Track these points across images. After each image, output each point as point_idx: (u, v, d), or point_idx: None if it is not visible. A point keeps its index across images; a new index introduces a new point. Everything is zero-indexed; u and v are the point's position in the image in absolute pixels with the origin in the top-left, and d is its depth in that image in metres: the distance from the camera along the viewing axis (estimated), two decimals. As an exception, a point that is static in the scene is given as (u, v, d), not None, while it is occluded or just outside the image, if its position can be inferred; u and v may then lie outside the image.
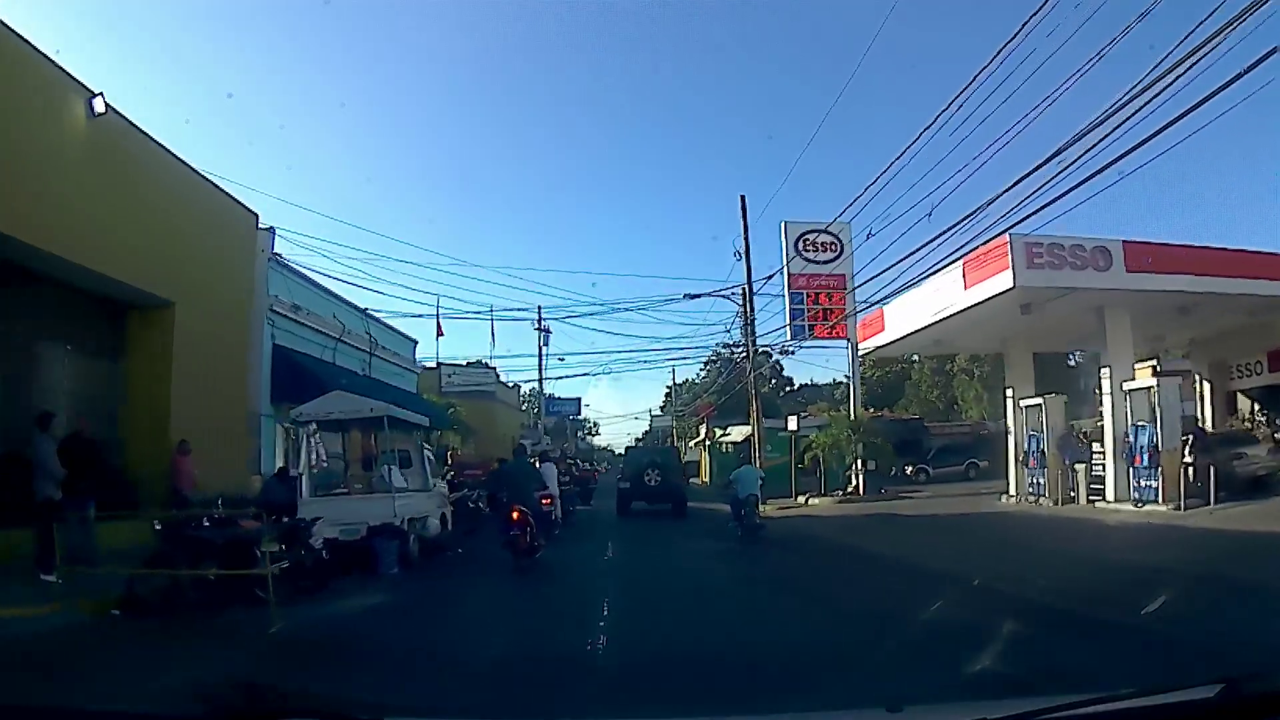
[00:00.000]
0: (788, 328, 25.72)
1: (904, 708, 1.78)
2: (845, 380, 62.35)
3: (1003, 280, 14.72)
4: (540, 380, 44.15)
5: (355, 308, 19.52)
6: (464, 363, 38.73)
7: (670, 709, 4.08)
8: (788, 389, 57.78)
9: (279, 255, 15.98)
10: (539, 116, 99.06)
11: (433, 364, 36.60)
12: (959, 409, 49.41)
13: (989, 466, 34.67)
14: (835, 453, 25.17)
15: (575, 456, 54.89)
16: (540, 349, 44.01)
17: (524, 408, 58.57)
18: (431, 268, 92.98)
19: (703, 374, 63.28)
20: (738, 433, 36.01)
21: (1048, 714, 1.53)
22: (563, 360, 55.26)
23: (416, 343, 24.59)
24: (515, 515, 9.73)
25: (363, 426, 12.36)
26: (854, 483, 25.23)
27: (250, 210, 15.13)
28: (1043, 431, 18.48)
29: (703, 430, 46.18)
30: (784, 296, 26.11)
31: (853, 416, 25.68)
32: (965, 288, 15.90)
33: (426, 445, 13.68)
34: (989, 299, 15.35)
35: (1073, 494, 17.09)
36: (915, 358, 48.21)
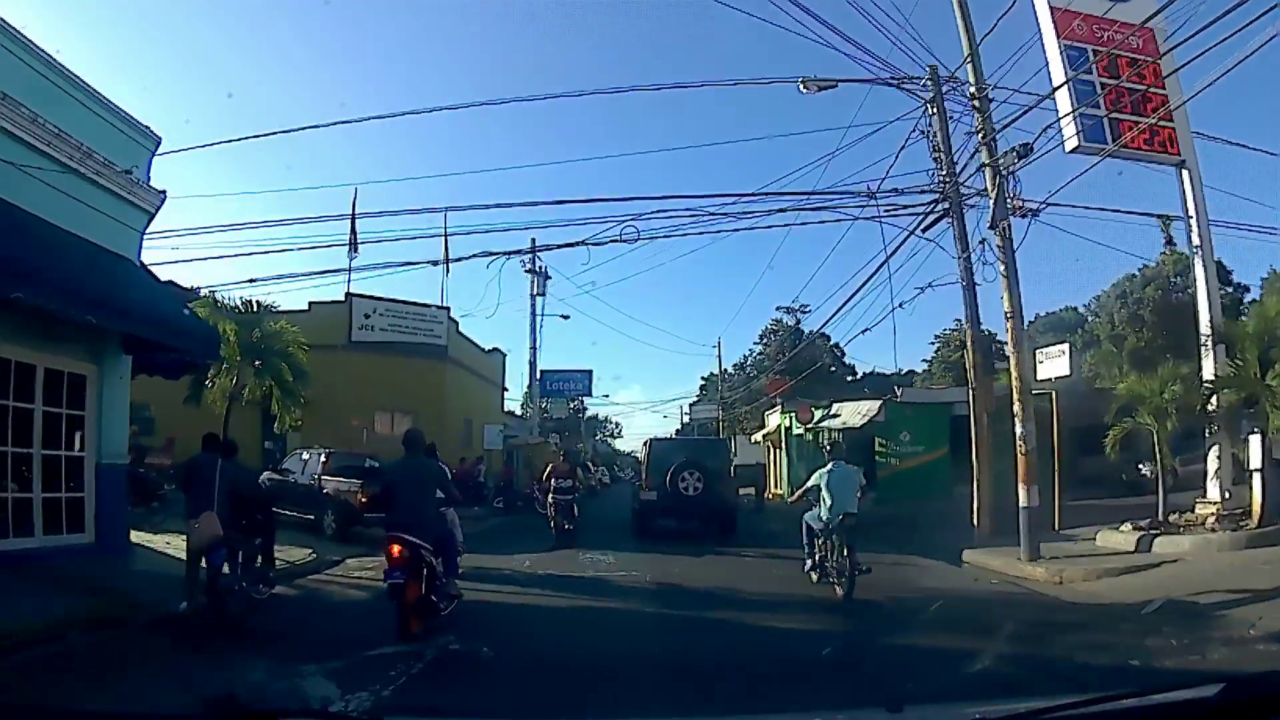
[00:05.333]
0: (1064, 95, 10.49)
1: (904, 708, 1.74)
2: (922, 367, 46.93)
3: None
4: (535, 336, 29.21)
5: None
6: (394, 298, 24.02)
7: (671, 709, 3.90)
8: (850, 380, 42.62)
9: None
10: None
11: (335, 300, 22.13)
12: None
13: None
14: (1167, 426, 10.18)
15: (590, 459, 40.19)
16: (533, 297, 29.43)
17: (526, 398, 43.51)
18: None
19: (757, 348, 48.46)
20: (853, 413, 20.73)
21: (1048, 714, 1.50)
22: (566, 319, 40.34)
23: (158, 143, 9.96)
24: (396, 551, 6.18)
25: None
26: (1221, 492, 10.17)
27: None
28: None
29: (772, 419, 30.84)
30: (1047, 52, 11.04)
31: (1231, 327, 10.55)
32: None
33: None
34: None
35: None
36: None
